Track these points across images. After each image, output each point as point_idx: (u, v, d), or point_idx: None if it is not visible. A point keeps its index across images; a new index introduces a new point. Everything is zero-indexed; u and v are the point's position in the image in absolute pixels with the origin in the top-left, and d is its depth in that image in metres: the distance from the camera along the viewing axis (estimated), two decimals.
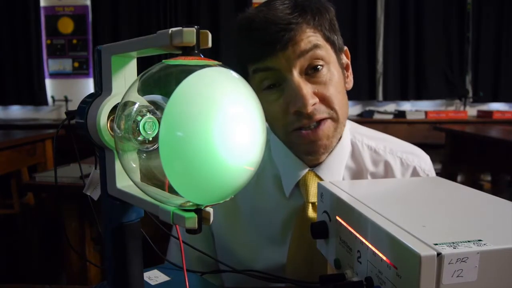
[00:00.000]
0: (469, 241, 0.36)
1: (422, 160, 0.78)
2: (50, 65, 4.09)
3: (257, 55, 0.66)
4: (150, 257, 0.59)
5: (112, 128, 0.43)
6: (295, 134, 0.68)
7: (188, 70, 0.32)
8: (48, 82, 4.08)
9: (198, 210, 0.35)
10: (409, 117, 3.65)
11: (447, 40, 3.96)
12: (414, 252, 0.34)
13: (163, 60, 0.36)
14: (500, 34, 3.95)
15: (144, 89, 0.39)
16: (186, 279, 0.49)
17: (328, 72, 0.67)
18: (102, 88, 0.45)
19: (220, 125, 0.32)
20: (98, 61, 0.45)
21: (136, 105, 0.40)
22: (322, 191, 0.57)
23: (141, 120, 0.40)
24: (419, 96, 4.01)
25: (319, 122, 0.67)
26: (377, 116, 3.87)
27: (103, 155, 0.46)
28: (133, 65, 0.45)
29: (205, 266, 0.78)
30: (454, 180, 1.78)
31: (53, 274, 2.23)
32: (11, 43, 3.95)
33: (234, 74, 0.36)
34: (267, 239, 0.78)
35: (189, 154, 0.32)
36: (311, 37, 0.65)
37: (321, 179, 0.73)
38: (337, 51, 0.71)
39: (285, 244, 0.75)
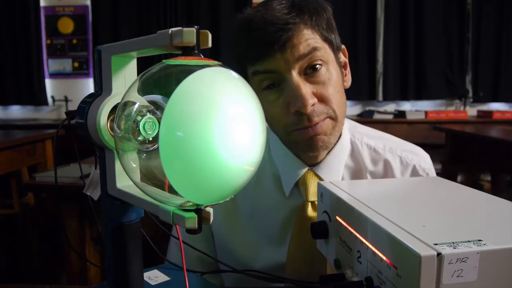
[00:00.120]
0: (469, 241, 0.36)
1: (421, 158, 0.78)
2: (50, 65, 4.09)
3: (256, 55, 0.66)
4: (150, 257, 0.59)
5: (112, 128, 0.43)
6: (295, 133, 0.68)
7: (188, 70, 0.32)
8: (48, 82, 4.08)
9: (198, 210, 0.35)
10: (409, 117, 3.65)
11: (447, 40, 3.96)
12: (414, 252, 0.34)
13: (163, 60, 0.36)
14: (500, 34, 3.95)
15: (144, 89, 0.39)
16: (186, 279, 0.49)
17: (326, 72, 0.67)
18: (102, 88, 0.45)
19: (220, 125, 0.32)
20: (98, 61, 0.45)
21: (136, 105, 0.40)
22: (322, 191, 0.57)
23: (141, 120, 0.40)
24: (419, 96, 4.01)
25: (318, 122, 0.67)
26: (377, 116, 3.87)
27: (103, 155, 0.46)
28: (133, 65, 0.45)
29: (205, 266, 0.78)
30: (454, 180, 1.78)
31: (53, 274, 2.23)
32: (11, 43, 3.95)
33: (234, 74, 0.36)
34: (267, 238, 0.78)
35: (189, 154, 0.32)
36: (309, 39, 0.65)
37: (320, 178, 0.73)
38: (335, 50, 0.71)
39: (285, 244, 0.75)
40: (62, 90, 4.04)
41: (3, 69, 3.97)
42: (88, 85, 4.11)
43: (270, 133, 0.77)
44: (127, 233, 0.47)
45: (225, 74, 0.35)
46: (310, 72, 0.66)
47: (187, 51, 0.34)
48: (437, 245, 0.35)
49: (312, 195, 0.72)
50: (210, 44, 0.36)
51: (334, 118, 0.68)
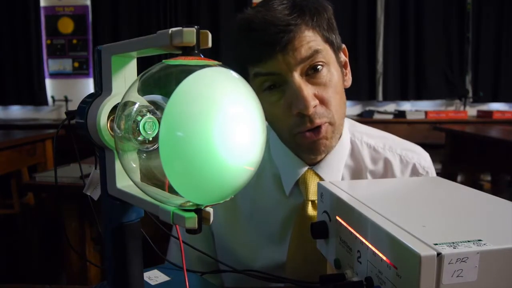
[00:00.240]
0: (469, 241, 0.36)
1: (421, 157, 0.79)
2: (50, 65, 4.09)
3: (257, 56, 0.66)
4: (150, 257, 0.59)
5: (112, 128, 0.43)
6: (299, 136, 0.69)
7: (188, 70, 0.32)
8: (48, 82, 4.08)
9: (198, 210, 0.35)
10: (409, 117, 3.65)
11: (447, 40, 3.96)
12: (414, 252, 0.34)
13: (163, 60, 0.36)
14: (500, 34, 3.95)
15: (144, 89, 0.39)
16: (186, 279, 0.49)
17: (328, 73, 0.67)
18: (102, 88, 0.45)
19: (220, 125, 0.32)
20: (98, 61, 0.45)
21: (136, 105, 0.40)
22: (322, 191, 0.57)
23: (141, 120, 0.40)
24: (419, 96, 4.01)
25: (318, 126, 0.67)
26: (377, 116, 3.87)
27: (103, 155, 0.46)
28: (133, 65, 0.45)
29: (205, 266, 0.78)
30: (454, 180, 1.78)
31: (53, 274, 2.23)
32: (11, 43, 3.95)
33: (234, 74, 0.36)
34: (267, 238, 0.78)
35: (189, 154, 0.32)
36: (311, 42, 0.65)
37: (320, 177, 0.73)
38: (336, 50, 0.71)
39: (285, 243, 0.75)
40: (62, 90, 4.04)
41: (3, 69, 3.97)
42: (88, 85, 4.11)
43: (270, 133, 0.77)
44: (127, 233, 0.47)
45: (225, 74, 0.35)
46: (311, 73, 0.66)
47: (187, 51, 0.34)
48: (437, 245, 0.35)
49: (312, 194, 0.72)
50: (210, 44, 0.36)
51: (332, 123, 0.69)
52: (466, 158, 2.69)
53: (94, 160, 0.52)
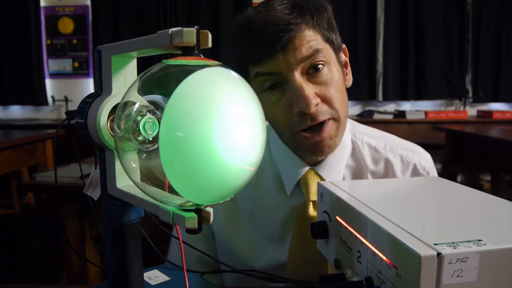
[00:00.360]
0: (469, 241, 0.36)
1: (422, 157, 0.79)
2: (50, 65, 4.09)
3: (257, 56, 0.66)
4: (150, 257, 0.59)
5: (112, 128, 0.43)
6: (300, 135, 0.68)
7: (188, 70, 0.32)
8: (48, 82, 4.08)
9: (198, 210, 0.35)
10: (409, 117, 3.65)
11: (447, 40, 3.96)
12: (414, 252, 0.34)
13: (163, 60, 0.36)
14: (500, 34, 3.95)
15: (144, 89, 0.39)
16: (186, 279, 0.49)
17: (328, 72, 0.67)
18: (102, 88, 0.45)
19: (220, 125, 0.32)
20: (98, 61, 0.45)
21: (136, 105, 0.40)
22: (322, 191, 0.57)
23: (141, 120, 0.40)
24: (419, 96, 4.01)
25: (322, 123, 0.67)
26: (377, 116, 3.87)
27: (103, 155, 0.46)
28: (133, 65, 0.45)
29: (205, 266, 0.78)
30: (454, 180, 1.78)
31: (53, 274, 2.23)
32: (11, 43, 3.95)
33: (234, 74, 0.36)
34: (267, 238, 0.78)
35: (189, 154, 0.32)
36: (311, 41, 0.65)
37: (321, 177, 0.73)
38: (336, 50, 0.71)
39: (285, 243, 0.75)
40: (62, 90, 4.04)
41: (3, 69, 3.97)
42: (88, 85, 4.11)
43: (271, 133, 0.77)
44: (127, 233, 0.47)
45: (225, 74, 0.35)
46: (312, 72, 0.67)
47: (187, 51, 0.34)
48: (437, 245, 0.35)
49: (313, 195, 0.72)
50: (210, 44, 0.36)
51: (337, 119, 0.69)
52: (466, 158, 2.69)
53: (94, 160, 0.52)
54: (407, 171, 0.77)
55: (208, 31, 0.35)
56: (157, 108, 0.41)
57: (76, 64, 4.08)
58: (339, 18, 0.69)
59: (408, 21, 3.92)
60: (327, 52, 0.68)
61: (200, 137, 0.31)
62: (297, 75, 0.65)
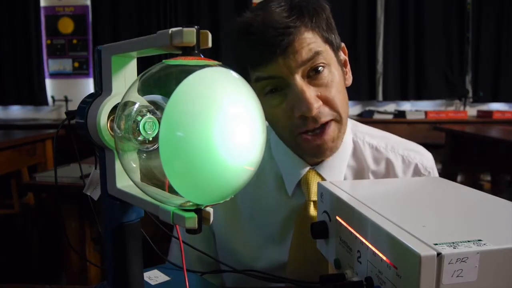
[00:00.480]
0: (469, 241, 0.36)
1: (424, 157, 0.78)
2: (50, 65, 4.09)
3: (257, 60, 0.66)
4: (150, 257, 0.59)
5: (112, 128, 0.43)
6: (301, 137, 0.68)
7: (188, 70, 0.32)
8: (48, 82, 4.08)
9: (198, 210, 0.35)
10: (409, 117, 3.65)
11: (447, 40, 3.96)
12: (414, 252, 0.34)
13: (163, 60, 0.36)
14: (500, 34, 3.95)
15: (144, 89, 0.39)
16: (186, 279, 0.49)
17: (329, 74, 0.67)
18: (102, 88, 0.45)
19: (220, 125, 0.32)
20: (98, 61, 0.45)
21: (136, 105, 0.40)
22: (322, 191, 0.57)
23: (141, 120, 0.40)
24: (419, 96, 4.01)
25: (324, 125, 0.67)
26: (377, 116, 3.87)
27: (103, 155, 0.46)
28: (133, 65, 0.45)
29: (205, 266, 0.78)
30: (454, 180, 1.78)
31: (53, 274, 2.23)
32: (11, 43, 3.95)
33: (234, 74, 0.36)
34: (267, 238, 0.78)
35: (189, 154, 0.32)
36: (311, 44, 0.65)
37: (322, 177, 0.73)
38: (335, 50, 0.71)
39: (286, 243, 0.75)
40: (62, 90, 4.04)
41: (3, 69, 3.97)
42: (88, 85, 4.11)
43: (271, 133, 0.77)
44: (127, 233, 0.47)
45: (225, 74, 0.35)
46: (312, 74, 0.66)
47: (187, 51, 0.34)
48: (437, 245, 0.35)
49: (314, 195, 0.72)
50: (210, 44, 0.36)
51: (339, 121, 0.69)
52: (466, 158, 2.69)
53: (94, 160, 0.52)
54: (408, 171, 0.77)
55: (208, 31, 0.35)
56: (157, 108, 0.41)
57: (76, 64, 4.08)
58: (339, 18, 0.69)
59: (408, 21, 3.92)
60: (327, 53, 0.68)
61: (200, 137, 0.31)
62: (298, 79, 0.65)
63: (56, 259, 2.27)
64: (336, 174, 0.74)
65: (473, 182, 3.04)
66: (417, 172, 0.77)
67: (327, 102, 0.67)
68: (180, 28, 0.34)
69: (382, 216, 0.43)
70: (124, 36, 3.82)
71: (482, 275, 0.35)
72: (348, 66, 0.76)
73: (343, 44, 0.75)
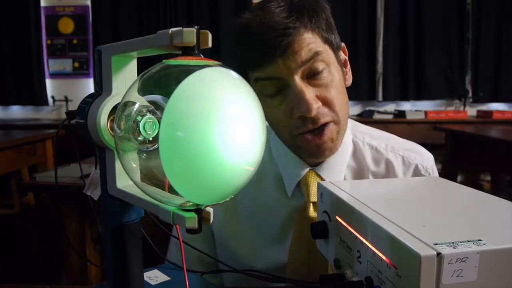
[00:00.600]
0: (468, 241, 0.36)
1: (424, 158, 0.78)
2: (50, 65, 4.09)
3: (256, 61, 0.66)
4: (150, 257, 0.59)
5: (112, 128, 0.43)
6: (301, 138, 0.68)
7: (188, 70, 0.32)
8: (49, 82, 4.08)
9: (198, 210, 0.35)
10: (409, 117, 3.65)
11: (447, 40, 3.96)
12: (414, 252, 0.34)
13: (163, 60, 0.36)
14: (500, 34, 3.95)
15: (144, 89, 0.39)
16: (186, 279, 0.49)
17: (329, 74, 0.67)
18: (102, 88, 0.45)
19: (220, 125, 0.32)
20: (98, 61, 0.45)
21: (136, 105, 0.40)
22: (322, 191, 0.57)
23: (141, 120, 0.40)
24: (419, 96, 4.01)
25: (323, 126, 0.67)
26: (377, 116, 3.87)
27: (103, 155, 0.46)
28: (133, 65, 0.45)
29: (205, 266, 0.78)
30: (454, 180, 1.78)
31: (53, 274, 2.23)
32: (11, 43, 3.95)
33: (234, 74, 0.36)
34: (267, 238, 0.78)
35: (189, 154, 0.32)
36: (311, 44, 0.65)
37: (322, 178, 0.73)
38: (335, 50, 0.70)
39: (285, 244, 0.75)
40: (62, 90, 4.04)
41: (3, 69, 3.97)
42: (88, 85, 4.11)
43: (271, 133, 0.77)
44: (127, 233, 0.47)
45: (225, 74, 0.35)
46: (312, 75, 0.66)
47: (187, 51, 0.34)
48: (437, 245, 0.35)
49: (314, 196, 0.71)
50: (210, 44, 0.36)
51: (338, 122, 0.68)
52: (466, 158, 2.69)
53: (94, 160, 0.52)
54: (408, 172, 0.77)
55: (208, 31, 0.35)
56: (157, 108, 0.41)
57: (76, 64, 4.08)
58: (339, 18, 0.69)
59: (408, 21, 3.92)
60: (327, 54, 0.67)
61: (200, 137, 0.31)
62: (298, 79, 0.65)
63: (56, 259, 2.27)
64: (336, 175, 0.74)
65: (473, 182, 3.04)
66: (417, 173, 0.77)
67: (326, 102, 0.67)
68: (180, 28, 0.34)
69: (382, 216, 0.43)
70: (124, 36, 3.82)
71: (482, 275, 0.35)
72: (348, 66, 0.76)
73: (343, 44, 0.74)
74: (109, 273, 0.49)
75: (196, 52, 0.34)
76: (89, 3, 4.02)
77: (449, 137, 2.83)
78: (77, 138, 0.48)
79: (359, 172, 0.77)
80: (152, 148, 0.41)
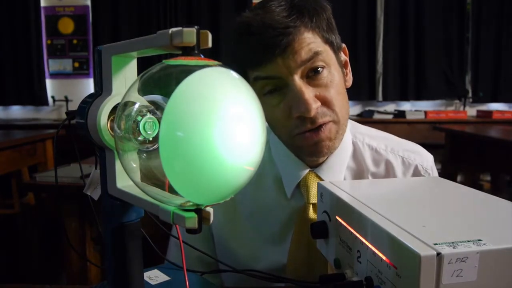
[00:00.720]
0: (468, 241, 0.36)
1: (424, 158, 0.78)
2: (51, 65, 4.09)
3: (256, 60, 0.66)
4: (150, 257, 0.59)
5: (112, 128, 0.43)
6: (299, 137, 0.68)
7: (188, 70, 0.32)
8: (49, 82, 4.08)
9: (198, 210, 0.35)
10: (409, 117, 3.65)
11: (447, 40, 3.96)
12: (414, 252, 0.34)
13: (163, 60, 0.36)
14: (500, 34, 3.95)
15: (144, 89, 0.39)
16: (186, 279, 0.49)
17: (328, 74, 0.67)
18: (103, 88, 0.45)
19: (220, 125, 0.32)
20: (98, 61, 0.45)
21: (136, 105, 0.40)
22: (322, 191, 0.57)
23: (141, 120, 0.40)
24: (419, 96, 4.01)
25: (322, 125, 0.67)
26: (377, 116, 3.87)
27: (103, 155, 0.46)
28: (133, 65, 0.45)
29: (205, 266, 0.78)
30: (454, 180, 1.78)
31: (53, 274, 2.23)
32: (11, 43, 3.95)
33: (234, 74, 0.36)
34: (267, 239, 0.78)
35: (189, 154, 0.32)
36: (311, 44, 0.65)
37: (322, 180, 0.72)
38: (336, 50, 0.70)
39: (285, 244, 0.75)
40: (62, 90, 4.04)
41: (3, 69, 3.97)
42: (88, 85, 4.11)
43: (271, 134, 0.77)
44: (127, 233, 0.47)
45: (225, 74, 0.35)
46: (312, 75, 0.66)
47: (187, 51, 0.34)
48: (436, 245, 0.35)
49: (314, 197, 0.71)
50: (210, 44, 0.36)
51: (337, 122, 0.68)
52: (466, 158, 2.69)
53: (94, 160, 0.52)
54: (408, 173, 0.77)
55: (208, 31, 0.35)
56: (157, 108, 0.41)
57: (76, 64, 4.08)
58: (339, 18, 0.68)
59: (408, 21, 3.92)
60: (327, 54, 0.67)
61: (200, 137, 0.31)
62: (297, 79, 0.65)
63: (56, 259, 2.27)
64: (335, 176, 0.73)
65: (473, 182, 3.04)
66: (417, 173, 0.77)
67: (326, 102, 0.66)
68: (180, 28, 0.34)
69: (382, 216, 0.43)
70: (124, 36, 3.83)
71: (482, 275, 0.35)
72: (349, 68, 0.76)
73: (344, 45, 0.74)
74: (109, 273, 0.49)
75: (196, 52, 0.34)
76: (89, 3, 4.02)
77: (449, 137, 2.83)
78: (77, 138, 0.48)
79: (359, 173, 0.77)
80: (152, 148, 0.41)
